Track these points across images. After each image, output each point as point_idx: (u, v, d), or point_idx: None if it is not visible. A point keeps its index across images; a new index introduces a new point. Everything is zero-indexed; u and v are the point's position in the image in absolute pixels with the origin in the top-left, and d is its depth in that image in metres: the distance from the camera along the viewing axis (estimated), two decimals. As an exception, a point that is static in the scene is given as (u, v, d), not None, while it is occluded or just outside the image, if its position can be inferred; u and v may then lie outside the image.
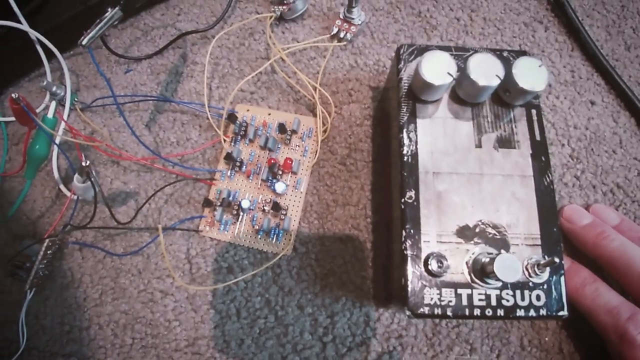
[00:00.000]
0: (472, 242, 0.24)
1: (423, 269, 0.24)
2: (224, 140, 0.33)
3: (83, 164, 0.26)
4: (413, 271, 0.24)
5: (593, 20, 0.37)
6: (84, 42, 0.27)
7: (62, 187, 0.33)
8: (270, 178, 0.32)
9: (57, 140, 0.32)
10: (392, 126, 0.30)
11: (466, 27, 0.37)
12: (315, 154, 0.32)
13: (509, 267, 0.21)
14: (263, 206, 0.31)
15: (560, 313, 0.24)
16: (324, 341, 0.29)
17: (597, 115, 0.34)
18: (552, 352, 0.29)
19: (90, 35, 0.27)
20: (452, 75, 0.25)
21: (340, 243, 0.31)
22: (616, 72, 0.35)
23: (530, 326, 0.29)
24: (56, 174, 0.33)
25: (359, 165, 0.33)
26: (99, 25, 0.28)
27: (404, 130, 0.27)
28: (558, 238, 0.25)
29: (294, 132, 0.33)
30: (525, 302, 0.23)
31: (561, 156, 0.33)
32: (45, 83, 0.33)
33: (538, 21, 0.37)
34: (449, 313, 0.23)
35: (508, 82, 0.26)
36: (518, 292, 0.24)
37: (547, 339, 0.29)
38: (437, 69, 0.25)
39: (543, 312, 0.23)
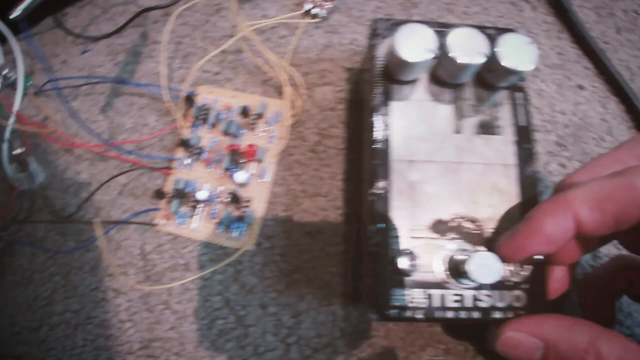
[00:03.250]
0: (447, 237, 0.22)
1: (391, 267, 0.21)
2: (181, 126, 0.30)
3: (15, 152, 0.23)
4: (381, 269, 0.21)
5: (582, 0, 0.35)
6: (12, 15, 0.24)
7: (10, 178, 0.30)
8: (232, 167, 0.29)
9: (8, 130, 0.29)
10: (365, 110, 0.27)
11: (449, 6, 0.34)
12: (283, 141, 0.30)
13: (487, 266, 0.19)
14: (224, 197, 0.28)
15: (542, 315, 0.21)
16: (287, 343, 0.27)
17: (586, 100, 0.32)
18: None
19: (23, 6, 0.24)
20: (431, 52, 0.22)
21: (309, 237, 0.29)
22: (606, 56, 0.33)
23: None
24: (6, 164, 0.30)
25: (330, 152, 0.30)
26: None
27: (376, 114, 0.24)
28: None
29: (259, 116, 0.30)
30: (504, 303, 0.21)
31: (547, 143, 0.31)
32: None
33: (525, 0, 0.35)
34: (419, 316, 0.21)
35: (492, 61, 0.23)
36: (496, 293, 0.21)
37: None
38: (415, 44, 0.23)
39: (523, 314, 0.21)
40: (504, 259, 0.20)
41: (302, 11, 0.33)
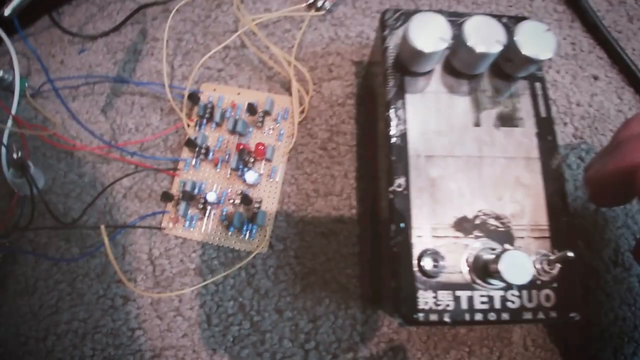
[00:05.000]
0: (471, 235, 0.21)
1: (416, 269, 0.20)
2: (187, 125, 0.29)
3: (14, 155, 0.22)
4: (404, 272, 0.21)
5: (593, -12, 0.34)
6: (6, 13, 0.23)
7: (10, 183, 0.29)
8: (241, 166, 0.28)
9: (6, 133, 0.28)
10: (377, 104, 0.26)
11: (458, -5, 0.33)
12: (292, 138, 0.29)
13: (519, 266, 0.18)
14: (233, 199, 0.27)
15: (572, 315, 0.21)
16: (306, 348, 0.26)
17: (601, 91, 0.31)
18: (557, 352, 0.26)
19: (13, 4, 0.23)
20: (446, 41, 0.22)
21: (323, 238, 0.28)
22: (619, 45, 0.32)
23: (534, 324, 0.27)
24: (5, 169, 0.29)
25: (341, 150, 0.29)
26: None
27: (391, 108, 0.23)
28: (569, 228, 0.22)
29: (266, 113, 0.29)
30: (533, 304, 0.20)
31: (564, 135, 0.30)
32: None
33: (535, -12, 0.34)
34: (446, 319, 0.20)
35: (510, 49, 0.22)
36: (525, 293, 0.21)
37: (552, 338, 0.26)
38: (429, 34, 0.22)
39: (553, 314, 0.20)
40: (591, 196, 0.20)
41: (305, 4, 0.32)
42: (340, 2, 0.33)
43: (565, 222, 0.22)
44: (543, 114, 0.24)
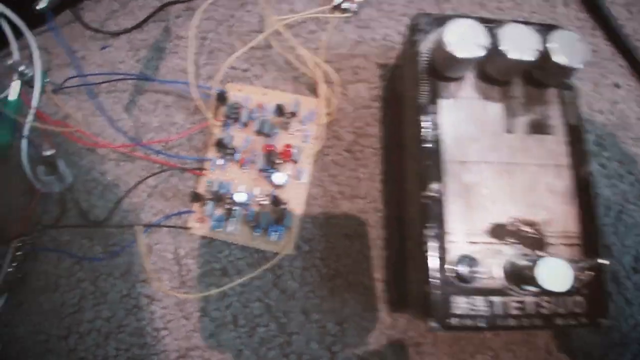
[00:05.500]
0: (505, 242, 0.21)
1: (451, 274, 0.21)
2: (213, 125, 0.29)
3: (45, 153, 0.22)
4: (438, 276, 0.21)
5: (613, -4, 0.34)
6: (39, 7, 0.23)
7: (32, 180, 0.29)
8: (267, 168, 0.28)
9: (27, 127, 0.28)
10: (406, 108, 0.26)
11: (482, 0, 0.33)
12: (319, 140, 0.29)
13: (558, 273, 0.18)
14: (260, 200, 0.27)
15: (602, 320, 0.21)
16: (333, 351, 0.26)
17: (622, 99, 0.32)
18: (579, 357, 0.26)
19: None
20: (484, 48, 0.22)
21: (348, 240, 0.28)
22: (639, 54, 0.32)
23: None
24: (25, 165, 0.29)
25: (367, 152, 0.29)
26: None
27: (424, 113, 0.23)
28: (599, 236, 0.22)
29: (293, 114, 0.29)
30: (565, 310, 0.21)
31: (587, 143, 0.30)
32: (11, 62, 0.28)
33: (558, -5, 0.34)
34: (482, 324, 0.20)
35: (544, 58, 0.23)
36: (557, 299, 0.21)
37: (577, 344, 0.27)
38: (465, 39, 0.22)
39: (584, 320, 0.21)
40: None
41: (331, 5, 0.32)
42: (365, 5, 0.33)
43: (595, 229, 0.22)
44: (573, 121, 0.24)
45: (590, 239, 0.22)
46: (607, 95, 0.31)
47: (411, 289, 0.25)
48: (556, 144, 0.23)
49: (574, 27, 0.33)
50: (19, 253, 0.27)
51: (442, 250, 0.21)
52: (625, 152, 0.30)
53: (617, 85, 0.32)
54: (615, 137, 0.30)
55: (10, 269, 0.26)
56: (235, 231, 0.27)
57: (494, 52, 0.22)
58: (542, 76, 0.24)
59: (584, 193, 0.23)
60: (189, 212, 0.28)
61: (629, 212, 0.29)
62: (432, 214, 0.22)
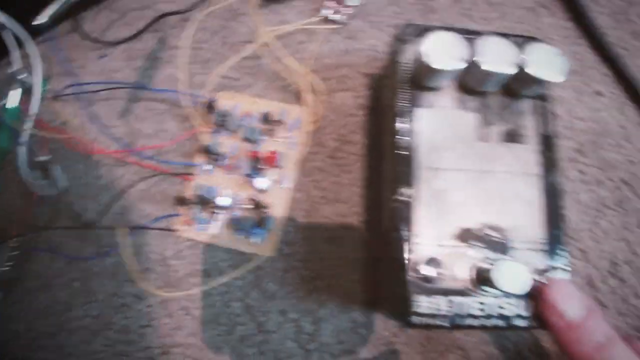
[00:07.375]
0: (473, 245, 0.22)
1: (418, 275, 0.21)
2: (202, 132, 0.30)
3: (40, 158, 0.23)
4: (407, 277, 0.21)
5: (599, 6, 0.35)
6: (39, 21, 0.24)
7: (28, 184, 0.30)
8: (253, 173, 0.29)
9: (26, 133, 0.29)
10: (386, 116, 0.27)
11: (467, 11, 0.34)
12: (303, 147, 0.30)
13: (515, 276, 0.19)
14: (244, 204, 0.28)
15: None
16: (308, 349, 0.27)
17: (604, 107, 0.32)
18: (551, 358, 0.27)
19: (50, 12, 0.24)
20: (464, 61, 0.22)
21: (329, 243, 0.29)
22: (623, 62, 0.33)
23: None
24: (22, 170, 0.30)
25: (350, 159, 0.30)
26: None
27: (400, 120, 0.24)
28: (563, 243, 0.22)
29: (279, 122, 0.30)
30: (528, 312, 0.21)
31: (566, 150, 0.31)
32: (12, 70, 0.30)
33: (543, 6, 0.35)
34: (445, 324, 0.21)
35: (522, 70, 0.23)
36: (520, 302, 0.21)
37: (547, 345, 0.27)
38: (445, 52, 0.23)
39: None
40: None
41: (320, 17, 0.33)
42: (354, 16, 0.34)
43: (561, 236, 0.23)
44: (546, 131, 0.24)
45: (555, 246, 0.22)
46: (589, 103, 0.32)
47: (385, 289, 0.25)
48: (528, 153, 0.24)
49: (559, 36, 0.34)
50: (14, 253, 0.28)
51: (412, 252, 0.22)
52: (604, 159, 0.31)
53: (599, 93, 0.32)
54: (595, 143, 0.31)
55: (6, 268, 0.28)
56: (219, 234, 0.28)
57: (474, 64, 0.23)
58: (519, 87, 0.24)
59: (552, 201, 0.23)
60: (176, 215, 0.29)
61: (607, 218, 0.29)
62: (402, 218, 0.22)
